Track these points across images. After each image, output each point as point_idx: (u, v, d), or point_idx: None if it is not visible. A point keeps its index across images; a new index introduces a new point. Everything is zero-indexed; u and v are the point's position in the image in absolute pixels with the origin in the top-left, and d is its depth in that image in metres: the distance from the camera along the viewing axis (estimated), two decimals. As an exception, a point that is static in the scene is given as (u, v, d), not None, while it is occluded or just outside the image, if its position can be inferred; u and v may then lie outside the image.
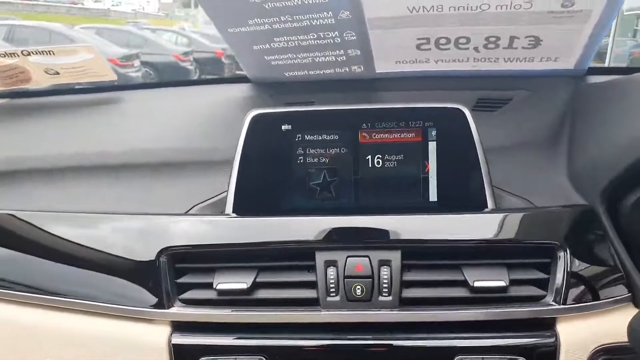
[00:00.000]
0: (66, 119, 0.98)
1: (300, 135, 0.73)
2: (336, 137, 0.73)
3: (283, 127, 0.73)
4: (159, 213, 0.72)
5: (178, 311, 0.65)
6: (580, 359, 0.63)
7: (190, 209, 0.75)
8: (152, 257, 0.66)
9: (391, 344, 0.64)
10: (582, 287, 0.64)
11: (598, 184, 0.67)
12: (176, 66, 8.38)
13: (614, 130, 0.68)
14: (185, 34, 10.42)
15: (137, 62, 7.49)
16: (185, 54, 8.86)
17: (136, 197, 0.80)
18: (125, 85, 1.71)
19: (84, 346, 0.67)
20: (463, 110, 0.71)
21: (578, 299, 0.63)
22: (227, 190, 0.72)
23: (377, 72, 0.94)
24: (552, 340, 0.63)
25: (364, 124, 0.73)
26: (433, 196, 0.72)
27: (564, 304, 0.63)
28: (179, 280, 0.66)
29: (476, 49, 0.85)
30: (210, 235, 0.68)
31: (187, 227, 0.69)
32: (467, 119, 0.71)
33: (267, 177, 0.73)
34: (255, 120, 0.73)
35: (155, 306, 0.65)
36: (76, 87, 1.07)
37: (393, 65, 0.92)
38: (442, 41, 0.85)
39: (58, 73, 0.97)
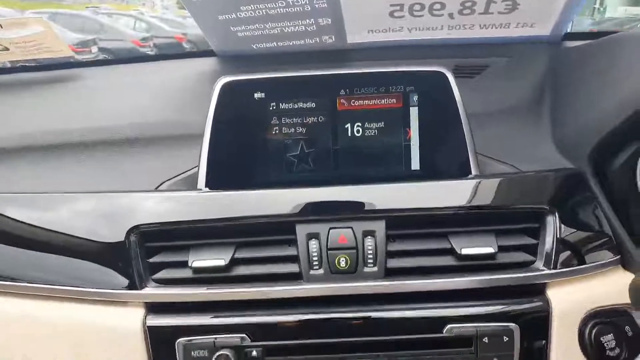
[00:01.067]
0: (23, 97, 0.92)
1: (274, 103, 0.70)
2: (313, 104, 0.70)
3: (256, 95, 0.70)
4: (126, 190, 0.68)
5: (152, 292, 0.62)
6: (573, 324, 0.62)
7: (160, 185, 0.71)
8: (122, 237, 0.62)
9: (378, 316, 0.62)
10: (572, 252, 0.63)
11: (585, 148, 0.66)
12: (136, 52, 8.10)
13: (597, 93, 0.67)
14: (143, 18, 10.07)
15: (94, 49, 7.21)
16: (145, 39, 8.59)
17: (100, 175, 0.76)
18: (86, 62, 1.63)
19: (53, 333, 0.63)
20: (445, 73, 0.69)
21: (568, 264, 0.63)
22: (198, 165, 0.69)
23: (348, 42, 0.91)
24: (545, 305, 0.62)
25: (342, 90, 0.70)
26: (415, 164, 0.70)
27: (554, 268, 0.62)
28: (151, 260, 0.63)
29: (451, 15, 0.84)
30: (182, 212, 0.65)
31: (157, 204, 0.65)
32: (449, 83, 0.69)
33: (241, 149, 0.70)
34: (226, 88, 0.69)
35: (127, 287, 0.62)
36: (31, 64, 1.01)
37: (365, 34, 0.89)
38: (416, 7, 0.83)
39: (7, 49, 0.92)
